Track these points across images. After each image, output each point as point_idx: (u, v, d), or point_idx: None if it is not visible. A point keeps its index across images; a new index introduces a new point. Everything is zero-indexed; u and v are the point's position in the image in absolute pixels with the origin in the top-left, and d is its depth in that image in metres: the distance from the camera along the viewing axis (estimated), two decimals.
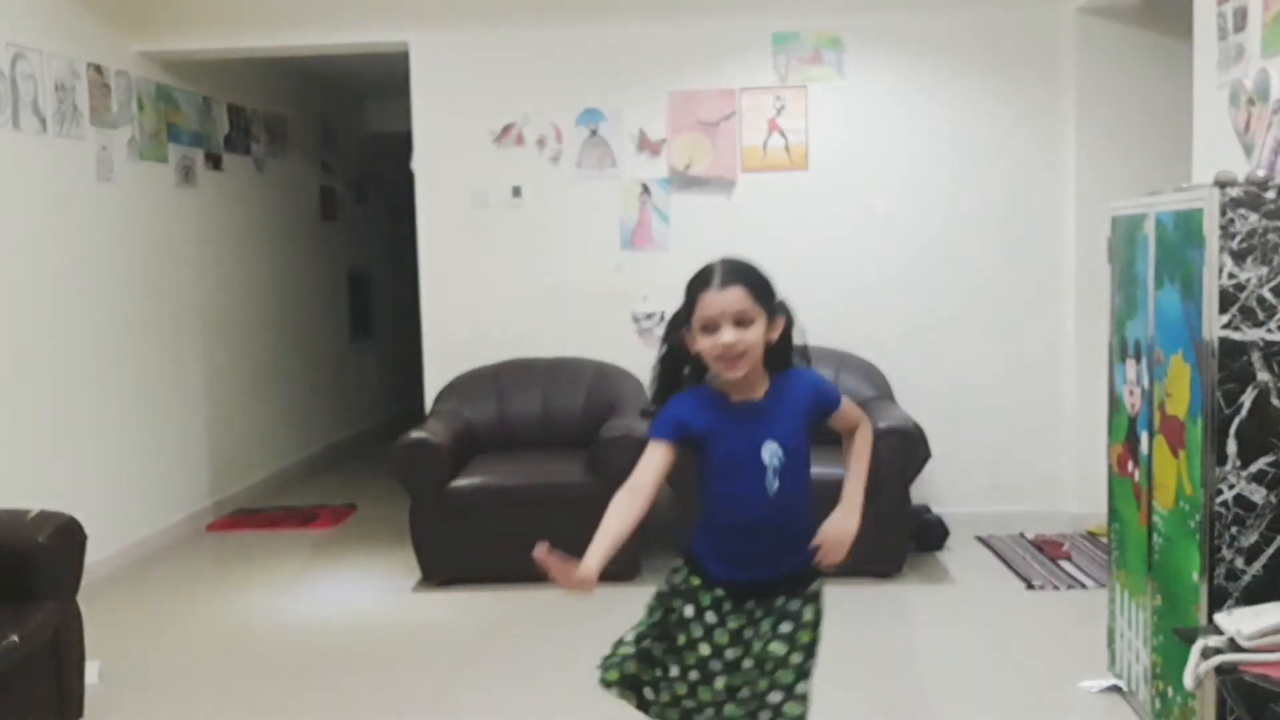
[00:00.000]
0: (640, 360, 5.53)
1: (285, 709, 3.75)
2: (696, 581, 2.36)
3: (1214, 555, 2.80)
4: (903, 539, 4.87)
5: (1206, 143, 3.75)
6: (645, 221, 5.66)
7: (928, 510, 5.41)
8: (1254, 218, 2.72)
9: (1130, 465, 3.39)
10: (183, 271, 6.02)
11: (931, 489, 5.52)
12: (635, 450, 2.26)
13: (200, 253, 6.22)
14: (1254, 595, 2.75)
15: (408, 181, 5.87)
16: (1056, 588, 4.73)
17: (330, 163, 8.19)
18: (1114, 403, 3.54)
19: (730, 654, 2.32)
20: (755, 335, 2.23)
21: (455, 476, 4.90)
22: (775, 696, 2.26)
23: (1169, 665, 3.10)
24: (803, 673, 2.30)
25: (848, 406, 2.46)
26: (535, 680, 3.90)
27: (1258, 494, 2.77)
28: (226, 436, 6.44)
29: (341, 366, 8.29)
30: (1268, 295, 2.73)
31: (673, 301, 2.32)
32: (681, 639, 2.35)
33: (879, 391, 5.29)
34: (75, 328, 5.07)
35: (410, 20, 5.67)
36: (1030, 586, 4.75)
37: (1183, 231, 2.91)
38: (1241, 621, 2.46)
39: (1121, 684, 3.54)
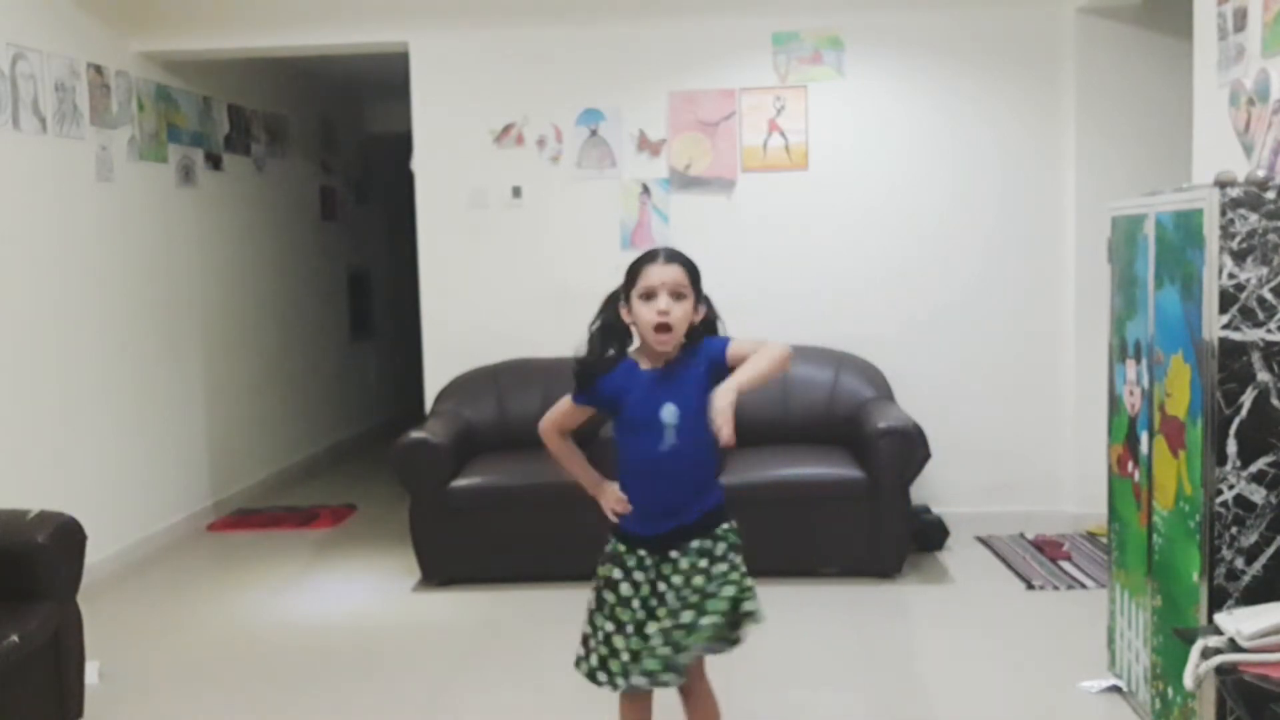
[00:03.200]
0: None
1: (285, 709, 3.75)
2: (622, 548, 2.67)
3: (1214, 555, 2.80)
4: (903, 539, 4.87)
5: (1206, 143, 3.75)
6: (645, 221, 5.66)
7: (928, 510, 5.41)
8: (1254, 218, 2.72)
9: (1130, 465, 3.39)
10: (183, 272, 6.02)
11: (931, 489, 5.52)
12: None
13: (200, 253, 6.22)
14: (1254, 595, 2.75)
15: (408, 181, 5.86)
16: (1056, 588, 4.73)
17: (330, 163, 8.19)
18: (1114, 403, 3.54)
19: (654, 599, 2.60)
20: (685, 310, 2.57)
21: (455, 476, 4.90)
22: (688, 616, 2.55)
23: (1169, 665, 3.10)
24: (732, 584, 2.59)
25: (739, 345, 2.56)
26: (535, 680, 3.90)
27: (1258, 494, 2.77)
28: (226, 436, 6.44)
29: (341, 366, 8.28)
30: (1268, 295, 2.73)
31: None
32: (611, 599, 2.63)
33: (878, 391, 5.29)
34: (75, 328, 5.07)
35: (410, 20, 5.67)
36: (1030, 586, 4.75)
37: (1183, 232, 2.91)
38: (1241, 621, 2.46)
39: (1121, 684, 3.54)
